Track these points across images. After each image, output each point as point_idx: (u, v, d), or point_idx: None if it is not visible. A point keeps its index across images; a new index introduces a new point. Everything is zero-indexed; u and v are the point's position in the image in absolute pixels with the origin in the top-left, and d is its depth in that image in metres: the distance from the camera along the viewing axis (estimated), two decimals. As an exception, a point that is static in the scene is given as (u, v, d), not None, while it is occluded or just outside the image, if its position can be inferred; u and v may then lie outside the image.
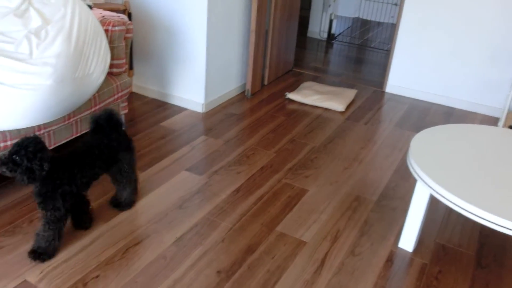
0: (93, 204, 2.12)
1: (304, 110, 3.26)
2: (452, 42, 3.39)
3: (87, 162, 1.79)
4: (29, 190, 2.19)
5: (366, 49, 4.95)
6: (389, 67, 3.67)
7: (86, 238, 1.91)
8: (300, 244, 1.95)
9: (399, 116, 3.29)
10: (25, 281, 1.70)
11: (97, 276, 1.73)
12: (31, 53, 1.91)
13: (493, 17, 3.20)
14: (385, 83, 3.72)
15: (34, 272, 1.74)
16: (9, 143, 1.98)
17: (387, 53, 4.81)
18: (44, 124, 2.09)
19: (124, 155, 1.94)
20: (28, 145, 1.57)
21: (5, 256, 1.80)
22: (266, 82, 3.69)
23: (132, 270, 1.77)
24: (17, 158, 1.56)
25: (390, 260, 1.89)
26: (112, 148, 1.89)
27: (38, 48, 1.95)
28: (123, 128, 1.97)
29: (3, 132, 1.94)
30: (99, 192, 2.21)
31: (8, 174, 1.58)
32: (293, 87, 3.65)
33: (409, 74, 3.61)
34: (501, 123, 3.11)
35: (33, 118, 1.96)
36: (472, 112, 3.45)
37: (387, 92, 3.71)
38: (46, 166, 1.61)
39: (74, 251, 1.84)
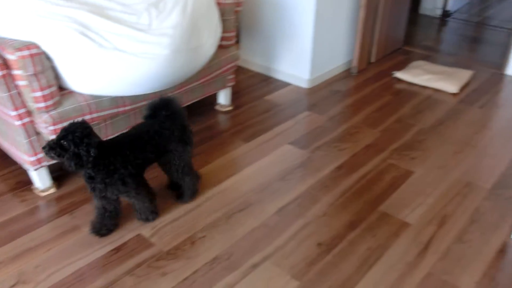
0: (201, 170, 2.23)
1: (412, 90, 3.12)
2: None
3: (137, 145, 1.75)
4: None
5: (486, 28, 4.58)
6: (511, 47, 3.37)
7: (193, 202, 2.02)
8: (404, 225, 1.90)
9: (519, 101, 3.03)
10: (139, 234, 1.85)
11: (203, 236, 1.84)
12: (150, 24, 2.03)
13: None
14: (505, 65, 3.43)
15: (147, 228, 1.88)
16: (127, 108, 2.14)
17: (510, 32, 4.41)
18: (158, 92, 2.23)
19: (176, 146, 1.85)
20: (75, 130, 1.55)
21: (123, 210, 1.97)
22: (373, 60, 3.58)
23: (236, 234, 1.85)
24: (64, 143, 1.55)
25: (502, 250, 1.77)
26: (162, 136, 1.81)
27: (157, 19, 2.06)
28: (183, 119, 1.88)
29: (122, 98, 2.10)
30: (206, 159, 2.32)
31: (56, 159, 1.57)
32: (401, 66, 3.50)
33: (534, 55, 3.29)
34: None
35: (149, 86, 2.08)
36: None
37: (508, 75, 3.42)
38: (93, 151, 1.57)
39: (182, 212, 1.97)
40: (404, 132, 2.60)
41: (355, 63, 3.36)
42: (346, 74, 3.38)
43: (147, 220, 1.91)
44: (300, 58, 3.09)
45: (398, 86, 3.19)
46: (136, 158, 1.74)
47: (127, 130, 1.82)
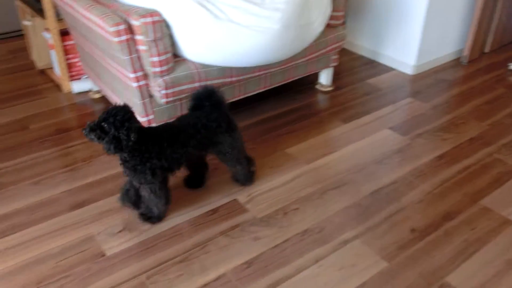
0: (297, 146, 2.27)
1: (529, 85, 2.91)
2: None
3: (179, 140, 1.70)
4: (244, 123, 2.45)
5: None
6: None
7: (290, 174, 2.08)
8: (506, 222, 1.80)
9: None
10: (235, 199, 1.94)
11: (296, 209, 1.88)
12: (265, -2, 2.09)
13: None
14: None
15: (243, 194, 1.97)
16: (234, 79, 2.23)
17: None
18: (264, 66, 2.29)
19: (224, 137, 1.80)
20: (117, 114, 1.52)
21: (220, 176, 2.07)
22: (487, 50, 3.37)
23: (329, 210, 1.87)
24: (105, 125, 1.53)
25: None
26: (210, 129, 1.76)
27: (269, -5, 2.11)
28: (226, 108, 1.83)
29: (230, 69, 2.19)
30: (303, 136, 2.36)
31: (96, 141, 1.56)
32: (518, 59, 3.26)
33: None
34: None
35: (257, 59, 2.15)
36: None
37: None
38: (133, 136, 1.54)
39: (277, 184, 2.03)
40: (516, 128, 2.44)
41: (466, 52, 3.18)
42: (455, 63, 3.22)
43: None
44: (408, 43, 3.00)
45: (513, 79, 2.99)
46: (173, 152, 1.68)
47: (172, 120, 1.78)
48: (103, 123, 1.52)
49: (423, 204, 1.90)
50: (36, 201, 1.94)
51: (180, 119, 1.77)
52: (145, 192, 1.74)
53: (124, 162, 1.65)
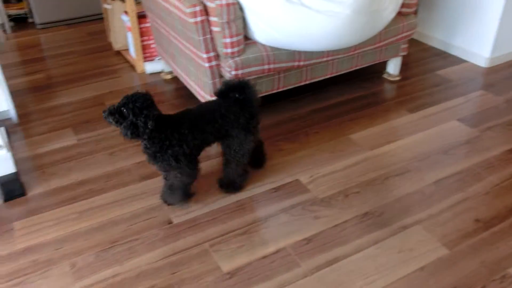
0: (362, 132, 2.28)
1: None
2: None
3: (197, 125, 1.68)
4: (309, 108, 2.49)
5: None
6: None
7: (352, 159, 2.09)
8: None
9: None
10: (297, 180, 1.99)
11: (357, 192, 1.90)
12: (338, -17, 2.10)
13: None
14: None
15: (305, 175, 2.01)
16: (302, 63, 2.27)
17: None
18: (332, 51, 2.31)
19: (239, 133, 1.76)
20: (137, 100, 1.52)
21: (285, 156, 2.12)
22: None
23: (390, 196, 1.87)
24: (124, 110, 1.53)
25: None
26: (226, 120, 1.72)
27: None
28: (254, 107, 1.78)
29: (299, 53, 2.23)
30: (368, 123, 2.36)
31: (114, 125, 1.56)
32: None
33: None
34: None
35: (327, 43, 2.17)
36: None
37: None
38: (150, 124, 1.53)
39: (339, 167, 2.05)
40: None
41: (546, 46, 3.03)
42: (534, 57, 3.07)
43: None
44: (482, 34, 2.89)
45: None
46: (194, 139, 1.67)
47: (192, 107, 1.76)
48: (122, 108, 1.53)
49: (489, 196, 1.86)
50: (111, 170, 2.08)
51: (201, 105, 1.76)
52: (173, 178, 1.74)
53: (145, 149, 1.66)
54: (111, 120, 1.54)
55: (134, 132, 1.54)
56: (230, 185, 1.90)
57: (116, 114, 1.53)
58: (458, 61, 3.02)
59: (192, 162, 1.72)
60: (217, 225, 1.76)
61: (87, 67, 3.08)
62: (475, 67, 2.93)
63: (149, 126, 1.54)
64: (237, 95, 1.75)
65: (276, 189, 1.93)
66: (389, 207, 1.82)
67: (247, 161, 1.85)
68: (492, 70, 2.89)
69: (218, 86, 2.17)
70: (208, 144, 1.76)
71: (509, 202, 1.82)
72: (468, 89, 2.66)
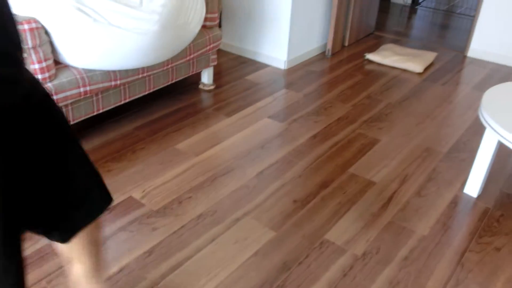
0: (186, 142, 2.41)
1: (382, 71, 3.35)
2: (544, 6, 3.29)
3: None
4: (132, 126, 2.53)
5: (452, 15, 4.84)
6: (473, 30, 3.62)
7: (181, 167, 2.21)
8: (370, 183, 2.12)
9: (478, 79, 3.28)
10: (130, 196, 2.02)
11: (190, 197, 2.02)
12: (141, 2, 2.20)
13: None
14: (467, 47, 3.68)
15: (138, 190, 2.06)
16: (118, 82, 2.30)
17: (472, 19, 4.68)
18: (146, 68, 2.40)
19: None
20: None
21: (115, 176, 2.14)
22: (346, 44, 3.80)
23: (220, 195, 2.04)
24: None
25: (454, 202, 2.01)
26: None
27: None
28: None
29: (114, 72, 2.26)
30: (191, 132, 2.50)
31: None
32: (372, 49, 3.73)
33: (493, 38, 3.55)
34: None
35: (139, 60, 2.25)
36: (560, 79, 3.36)
37: (468, 56, 3.68)
38: None
39: (170, 177, 2.15)
40: (373, 107, 2.82)
41: (329, 46, 3.57)
42: (321, 56, 3.59)
43: None
44: (279, 40, 3.29)
45: (369, 67, 3.42)
46: None
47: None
48: None
49: (302, 178, 2.15)
50: None
51: None
52: None
53: None
54: None
55: None
56: None
57: None
58: (263, 66, 3.37)
59: None
60: (50, 260, 1.70)
61: None
62: (277, 69, 3.31)
63: None
64: None
65: (111, 210, 1.94)
66: (221, 205, 1.98)
67: None
68: (290, 71, 3.30)
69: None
70: None
71: (318, 180, 2.14)
72: (274, 89, 3.00)
